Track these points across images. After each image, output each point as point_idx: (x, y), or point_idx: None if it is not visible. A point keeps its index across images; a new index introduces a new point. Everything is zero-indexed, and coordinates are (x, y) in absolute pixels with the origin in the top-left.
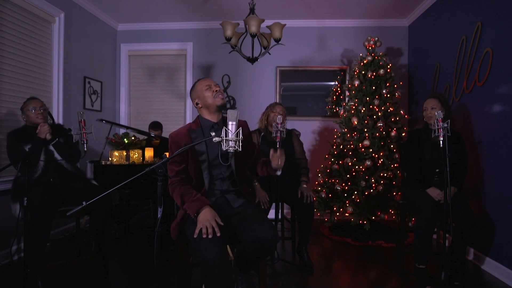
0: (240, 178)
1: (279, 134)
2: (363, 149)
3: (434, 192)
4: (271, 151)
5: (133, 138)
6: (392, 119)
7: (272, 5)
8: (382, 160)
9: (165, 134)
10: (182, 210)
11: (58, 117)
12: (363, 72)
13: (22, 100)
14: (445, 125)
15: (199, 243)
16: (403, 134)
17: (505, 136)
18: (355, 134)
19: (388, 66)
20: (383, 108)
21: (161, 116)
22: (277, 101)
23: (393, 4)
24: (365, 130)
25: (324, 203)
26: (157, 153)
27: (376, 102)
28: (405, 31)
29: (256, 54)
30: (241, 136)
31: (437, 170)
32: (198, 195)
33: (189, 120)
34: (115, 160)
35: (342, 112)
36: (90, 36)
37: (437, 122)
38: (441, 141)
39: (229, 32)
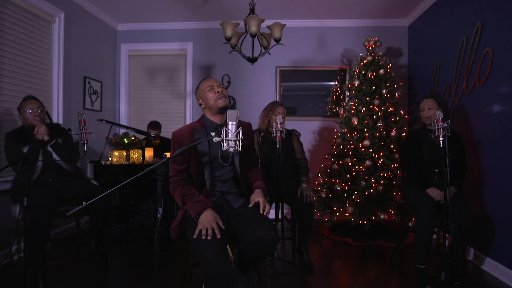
0: (244, 180)
1: (279, 134)
2: (363, 149)
3: (434, 192)
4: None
5: (133, 138)
6: (392, 119)
7: (272, 5)
8: (382, 160)
9: (164, 133)
10: (182, 210)
11: (58, 117)
12: (363, 72)
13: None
14: (445, 125)
15: (199, 243)
16: (403, 134)
17: (505, 136)
18: (355, 134)
19: (388, 66)
20: (383, 108)
21: (161, 116)
22: (277, 100)
23: (393, 4)
24: (365, 130)
25: (324, 203)
26: (157, 153)
27: (376, 102)
28: (405, 31)
29: (256, 54)
30: (241, 136)
31: (436, 170)
32: (200, 197)
33: (189, 120)
34: (115, 160)
35: (342, 112)
36: (90, 36)
37: (437, 122)
38: (441, 141)
39: (229, 32)
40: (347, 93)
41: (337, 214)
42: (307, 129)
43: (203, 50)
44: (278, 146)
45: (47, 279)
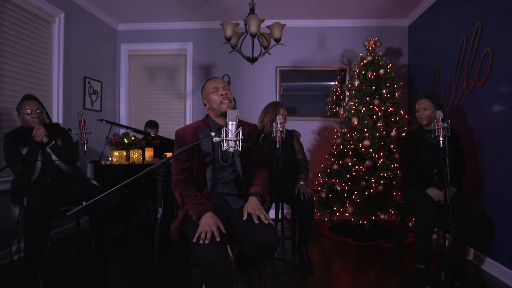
0: (245, 183)
1: (279, 134)
2: (363, 149)
3: (434, 192)
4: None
5: (133, 138)
6: (392, 119)
7: (272, 5)
8: (382, 160)
9: (164, 133)
10: (183, 210)
11: (58, 117)
12: (363, 72)
13: None
14: (445, 125)
15: (199, 244)
16: (403, 134)
17: (505, 136)
18: (355, 134)
19: (388, 66)
20: (383, 108)
21: (161, 116)
22: (277, 100)
23: (393, 4)
24: (365, 130)
25: (324, 203)
26: (157, 153)
27: (376, 102)
28: (405, 31)
29: (256, 54)
30: (241, 136)
31: (435, 170)
32: (202, 199)
33: (189, 120)
34: (115, 160)
35: (342, 112)
36: (90, 36)
37: (437, 122)
38: (440, 141)
39: (229, 32)
40: (347, 93)
41: (337, 214)
42: (307, 129)
43: (203, 50)
44: (278, 146)
45: (47, 279)
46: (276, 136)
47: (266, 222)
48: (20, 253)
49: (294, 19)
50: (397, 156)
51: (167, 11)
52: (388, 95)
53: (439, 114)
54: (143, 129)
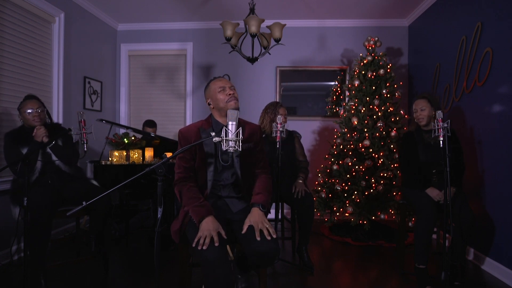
0: (245, 185)
1: (279, 134)
2: (363, 149)
3: (433, 193)
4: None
5: (133, 138)
6: (392, 119)
7: (272, 5)
8: (382, 160)
9: (164, 133)
10: (183, 211)
11: (58, 117)
12: (363, 72)
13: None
14: (445, 125)
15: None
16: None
17: (505, 136)
18: (355, 134)
19: (388, 66)
20: (383, 108)
21: (161, 116)
22: (277, 100)
23: (393, 4)
24: (365, 130)
25: (324, 203)
26: (157, 153)
27: (376, 102)
28: (405, 31)
29: (256, 54)
30: (241, 136)
31: (434, 170)
32: (204, 201)
33: (189, 120)
34: (115, 160)
35: (342, 112)
36: (90, 36)
37: (437, 122)
38: (440, 141)
39: (229, 32)
40: (347, 93)
41: (337, 214)
42: (307, 129)
43: (203, 50)
44: (278, 146)
45: (47, 279)
46: (276, 136)
47: (269, 238)
48: (20, 253)
49: (294, 19)
50: (397, 156)
51: (167, 11)
52: (388, 95)
53: (439, 114)
54: (145, 130)
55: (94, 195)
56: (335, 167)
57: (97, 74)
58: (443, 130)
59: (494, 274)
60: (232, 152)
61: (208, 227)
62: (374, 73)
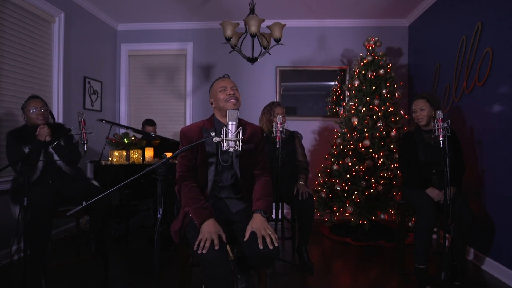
0: (244, 185)
1: (279, 134)
2: (363, 149)
3: (433, 193)
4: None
5: (133, 138)
6: (392, 119)
7: (272, 5)
8: (382, 160)
9: (164, 133)
10: (184, 211)
11: (58, 117)
12: (363, 72)
13: (22, 100)
14: (445, 125)
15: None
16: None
17: (505, 136)
18: (355, 134)
19: (388, 66)
20: (383, 108)
21: (161, 116)
22: (276, 100)
23: (393, 4)
24: (365, 130)
25: (324, 203)
26: (157, 153)
27: (376, 102)
28: (405, 31)
29: (256, 54)
30: (240, 136)
31: (434, 170)
32: (206, 203)
33: (189, 120)
34: (115, 160)
35: (342, 112)
36: (90, 36)
37: (437, 122)
38: (441, 141)
39: (229, 32)
40: (347, 93)
41: (337, 214)
42: (307, 129)
43: (203, 50)
44: (278, 146)
45: (48, 279)
46: (276, 136)
47: (271, 247)
48: (20, 253)
49: (294, 19)
50: (397, 156)
51: (167, 11)
52: (388, 95)
53: (439, 114)
54: (144, 130)
55: (94, 195)
56: (335, 167)
57: (97, 74)
58: (443, 130)
59: (494, 274)
60: (232, 152)
61: (209, 230)
62: (374, 73)
